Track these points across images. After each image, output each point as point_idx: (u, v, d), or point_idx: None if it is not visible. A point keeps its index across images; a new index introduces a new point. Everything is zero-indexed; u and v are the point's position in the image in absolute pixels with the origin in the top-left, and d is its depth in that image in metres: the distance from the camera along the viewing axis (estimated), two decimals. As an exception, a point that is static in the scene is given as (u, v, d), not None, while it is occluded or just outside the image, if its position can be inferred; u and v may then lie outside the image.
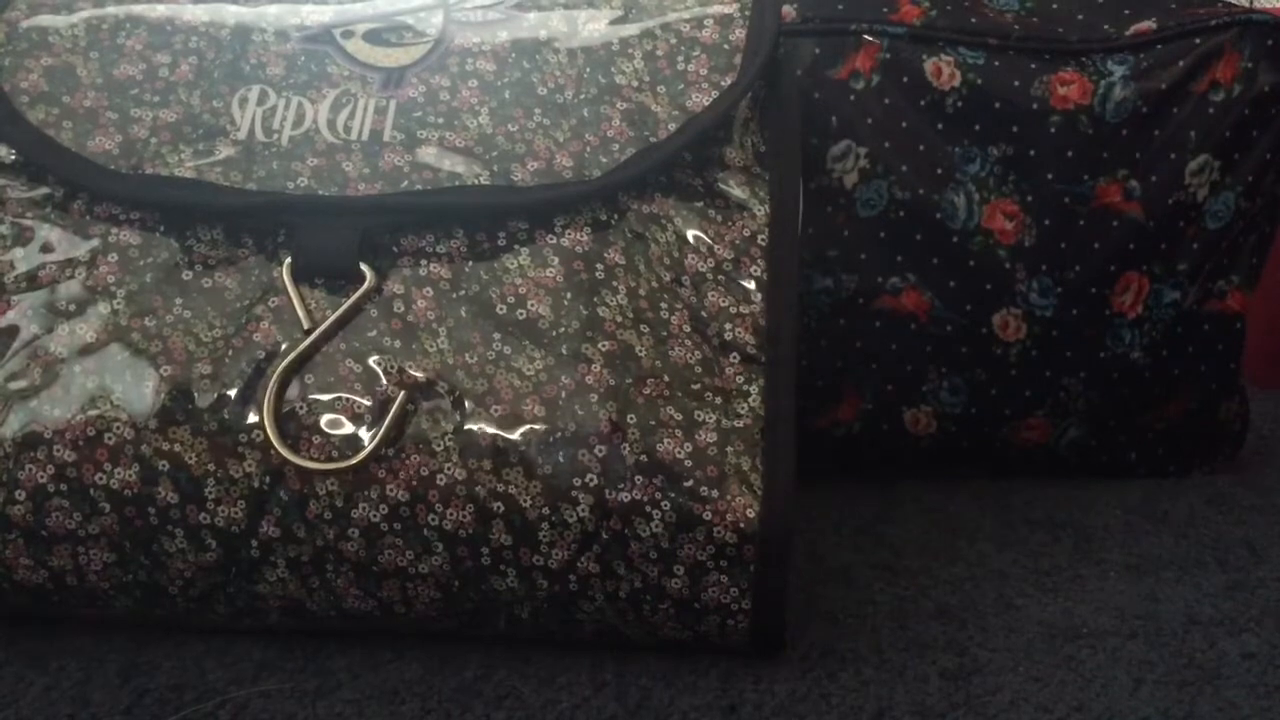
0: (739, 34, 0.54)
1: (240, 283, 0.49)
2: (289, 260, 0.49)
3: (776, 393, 0.49)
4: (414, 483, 0.46)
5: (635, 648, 0.50)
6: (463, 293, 0.49)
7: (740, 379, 0.49)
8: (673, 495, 0.46)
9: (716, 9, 0.55)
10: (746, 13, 0.55)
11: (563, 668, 0.49)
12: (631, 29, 0.54)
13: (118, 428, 0.46)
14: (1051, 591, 0.57)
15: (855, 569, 0.58)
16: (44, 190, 0.51)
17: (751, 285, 0.51)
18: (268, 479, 0.46)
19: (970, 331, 0.65)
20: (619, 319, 0.49)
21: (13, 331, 0.48)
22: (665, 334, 0.49)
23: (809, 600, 0.55)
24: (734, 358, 0.50)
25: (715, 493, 0.46)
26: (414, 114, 0.52)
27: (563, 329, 0.49)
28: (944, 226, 0.64)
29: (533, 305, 0.49)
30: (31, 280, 0.49)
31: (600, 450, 0.46)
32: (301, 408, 0.47)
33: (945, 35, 0.64)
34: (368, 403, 0.47)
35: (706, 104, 0.53)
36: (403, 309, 0.49)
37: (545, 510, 0.46)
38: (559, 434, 0.47)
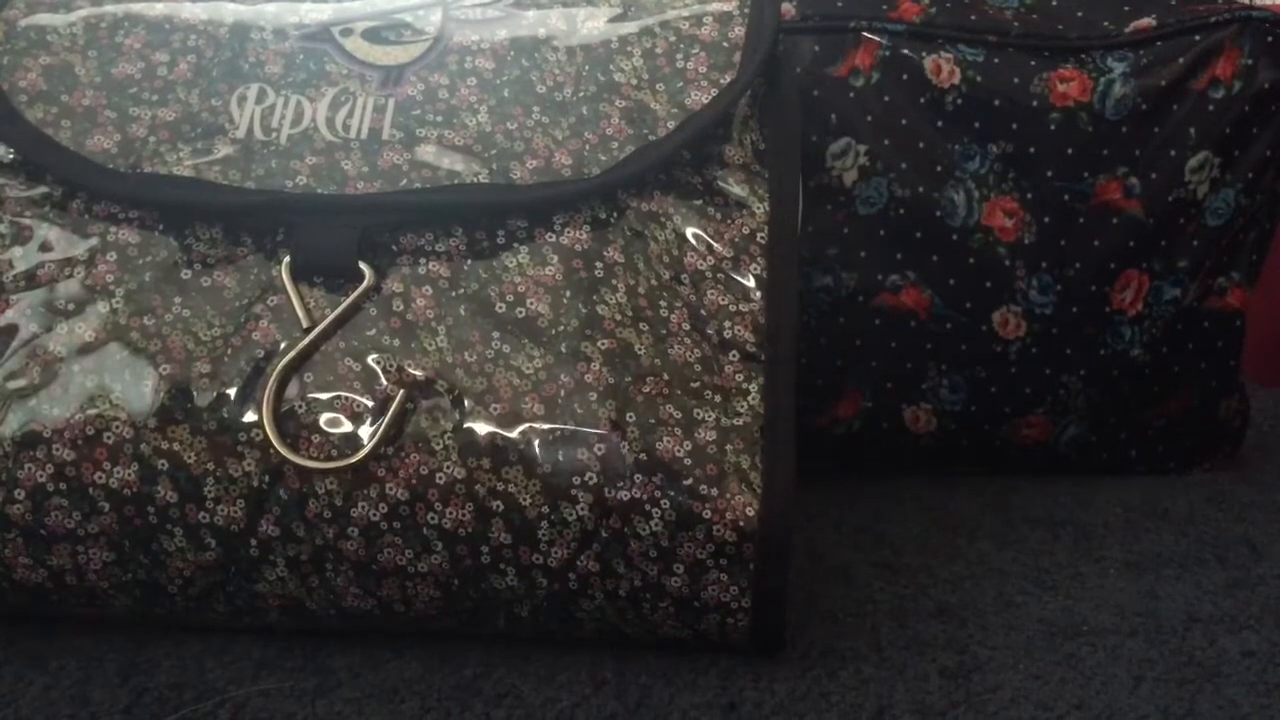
0: (738, 31, 0.54)
1: (239, 281, 0.49)
2: (288, 259, 0.49)
3: (776, 391, 0.49)
4: (413, 481, 0.46)
5: (635, 646, 0.50)
6: (462, 291, 0.49)
7: (740, 377, 0.49)
8: (672, 494, 0.46)
9: (716, 6, 0.55)
10: (746, 10, 0.55)
11: (562, 666, 0.49)
12: (630, 27, 0.54)
13: (117, 427, 0.46)
14: (1051, 589, 0.57)
15: (855, 567, 0.58)
16: (42, 189, 0.51)
17: (751, 283, 0.51)
18: (267, 478, 0.46)
19: (970, 329, 0.65)
20: (618, 317, 0.49)
21: (11, 330, 0.48)
22: (665, 332, 0.49)
23: (809, 598, 0.55)
24: (733, 356, 0.50)
25: (715, 491, 0.46)
26: (413, 112, 0.52)
27: (562, 327, 0.48)
28: (944, 224, 0.64)
29: (532, 303, 0.49)
30: (30, 279, 0.49)
31: (600, 448, 0.46)
32: (301, 406, 0.47)
33: (945, 32, 0.64)
34: (367, 401, 0.47)
35: (706, 102, 0.53)
36: (402, 307, 0.48)
37: (545, 509, 0.46)
38: (558, 432, 0.46)
